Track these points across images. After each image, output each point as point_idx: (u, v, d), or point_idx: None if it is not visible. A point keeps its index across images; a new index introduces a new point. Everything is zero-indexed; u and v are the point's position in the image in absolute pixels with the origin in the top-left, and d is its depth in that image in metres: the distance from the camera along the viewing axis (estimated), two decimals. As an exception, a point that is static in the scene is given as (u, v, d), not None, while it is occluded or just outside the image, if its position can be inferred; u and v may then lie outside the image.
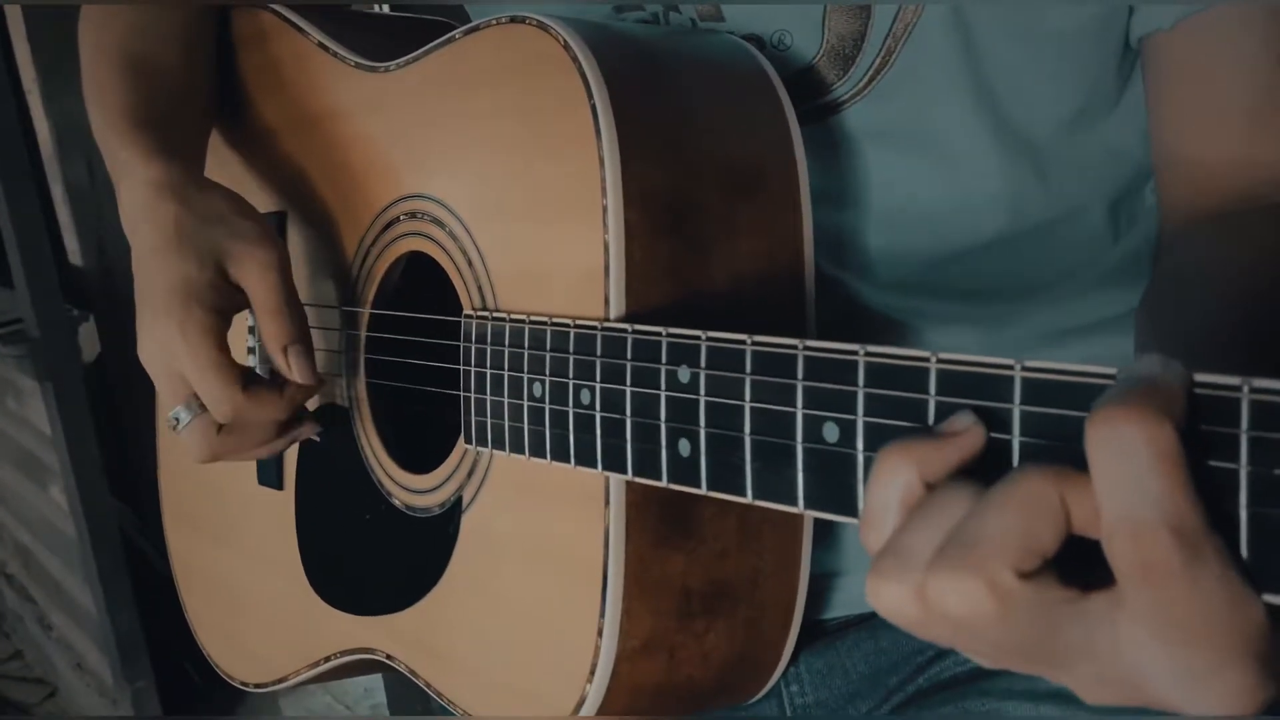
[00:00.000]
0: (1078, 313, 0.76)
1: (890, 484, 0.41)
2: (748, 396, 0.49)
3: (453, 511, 0.73)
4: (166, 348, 0.75)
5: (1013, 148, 0.71)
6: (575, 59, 0.61)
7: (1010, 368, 0.39)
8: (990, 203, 0.72)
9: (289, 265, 0.78)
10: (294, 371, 0.76)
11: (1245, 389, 0.34)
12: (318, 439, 0.83)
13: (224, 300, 0.76)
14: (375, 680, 1.88)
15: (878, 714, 0.77)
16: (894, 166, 0.71)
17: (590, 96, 0.60)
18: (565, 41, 0.62)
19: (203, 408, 0.76)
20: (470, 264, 0.70)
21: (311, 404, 0.84)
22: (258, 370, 0.87)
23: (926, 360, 0.41)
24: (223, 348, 0.75)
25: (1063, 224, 0.74)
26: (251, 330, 0.91)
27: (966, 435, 0.40)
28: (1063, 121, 0.71)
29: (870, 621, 0.79)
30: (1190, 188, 0.69)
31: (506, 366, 0.65)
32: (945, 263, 0.73)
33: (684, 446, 0.53)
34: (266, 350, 0.77)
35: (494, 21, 0.67)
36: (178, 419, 0.77)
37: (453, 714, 0.74)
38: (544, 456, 0.62)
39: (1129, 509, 0.36)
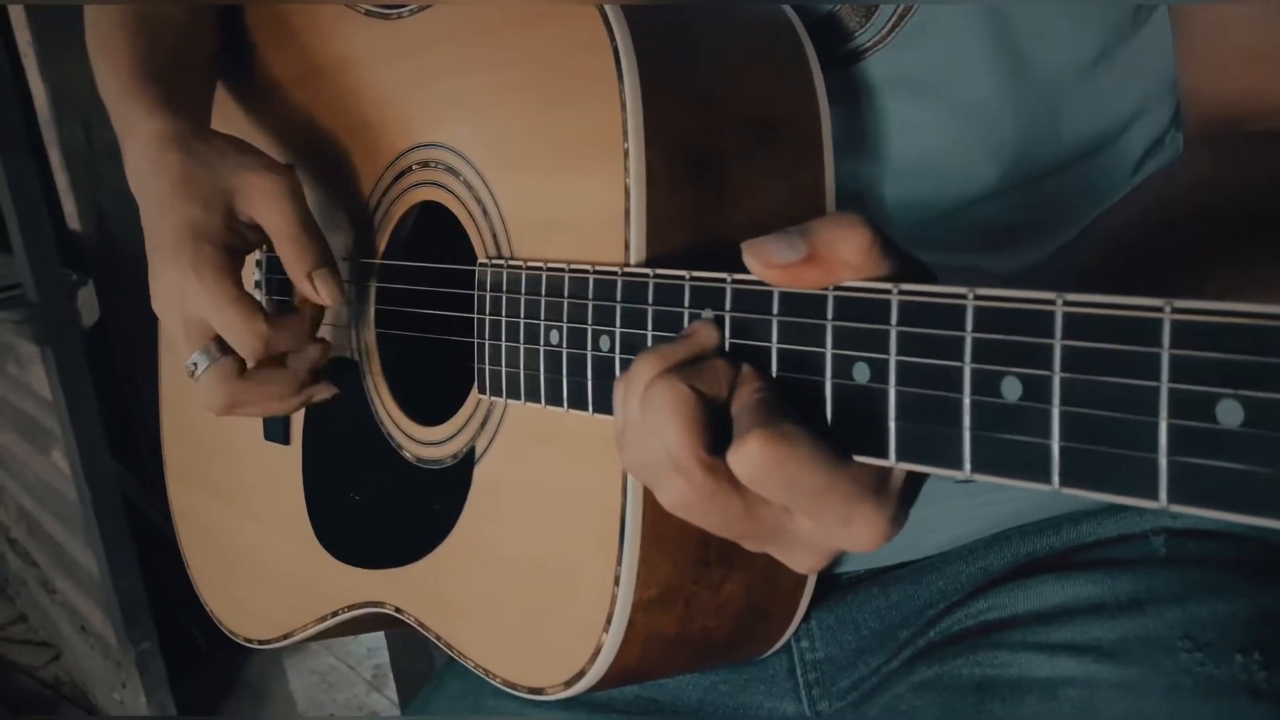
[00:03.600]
0: None
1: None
2: (775, 338, 0.49)
3: (465, 463, 0.72)
4: (181, 291, 0.74)
5: (1031, 93, 0.70)
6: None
7: (1052, 302, 0.38)
8: (1005, 149, 0.71)
9: (300, 191, 0.77)
10: (323, 295, 0.76)
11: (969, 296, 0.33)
12: (329, 399, 0.83)
13: (234, 239, 0.75)
14: (378, 639, 1.88)
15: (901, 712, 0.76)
16: (912, 115, 0.71)
17: (612, 38, 0.59)
18: None
19: (221, 352, 0.75)
20: (485, 212, 0.70)
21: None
22: None
23: (964, 297, 0.40)
24: (239, 284, 0.74)
25: (1078, 171, 0.74)
26: (257, 285, 0.90)
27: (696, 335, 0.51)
28: (1082, 65, 0.71)
29: (881, 576, 0.79)
30: (1207, 117, 0.69)
31: (522, 314, 0.64)
32: (958, 211, 0.73)
33: None
34: (292, 279, 0.76)
35: None
36: (195, 365, 0.76)
37: (464, 666, 0.73)
38: (560, 405, 0.62)
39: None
